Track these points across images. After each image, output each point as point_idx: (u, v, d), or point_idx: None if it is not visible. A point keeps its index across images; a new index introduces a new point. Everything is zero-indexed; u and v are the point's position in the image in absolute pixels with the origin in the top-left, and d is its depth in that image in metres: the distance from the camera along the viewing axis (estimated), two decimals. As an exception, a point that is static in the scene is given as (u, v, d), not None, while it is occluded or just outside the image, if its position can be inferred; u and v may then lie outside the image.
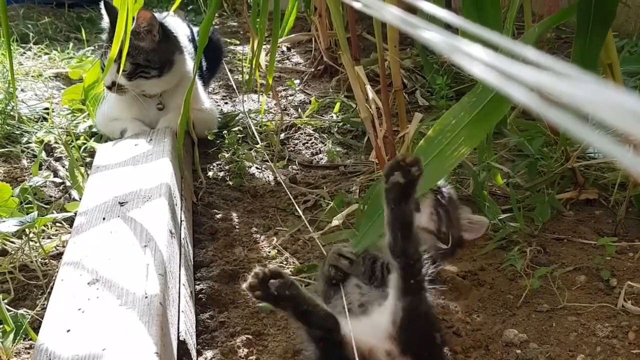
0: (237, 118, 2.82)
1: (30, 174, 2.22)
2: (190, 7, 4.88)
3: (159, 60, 2.33)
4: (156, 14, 2.44)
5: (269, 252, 1.86)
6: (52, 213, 1.92)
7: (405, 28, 0.44)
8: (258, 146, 2.50)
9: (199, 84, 2.54)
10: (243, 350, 1.46)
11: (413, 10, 0.75)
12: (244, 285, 1.19)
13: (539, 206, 1.93)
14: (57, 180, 2.22)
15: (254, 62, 2.53)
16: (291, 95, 3.16)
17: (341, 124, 2.74)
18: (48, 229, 1.91)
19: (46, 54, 3.60)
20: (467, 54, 0.35)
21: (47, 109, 2.76)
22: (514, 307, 1.59)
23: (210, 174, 2.31)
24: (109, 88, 2.32)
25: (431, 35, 0.39)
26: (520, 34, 2.73)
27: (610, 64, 1.73)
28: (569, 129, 0.31)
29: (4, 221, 1.76)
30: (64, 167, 2.29)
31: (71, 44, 3.78)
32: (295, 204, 2.02)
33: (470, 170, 2.00)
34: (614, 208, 1.98)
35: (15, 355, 1.42)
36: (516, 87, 0.31)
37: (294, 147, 2.59)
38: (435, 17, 0.55)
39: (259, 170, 2.39)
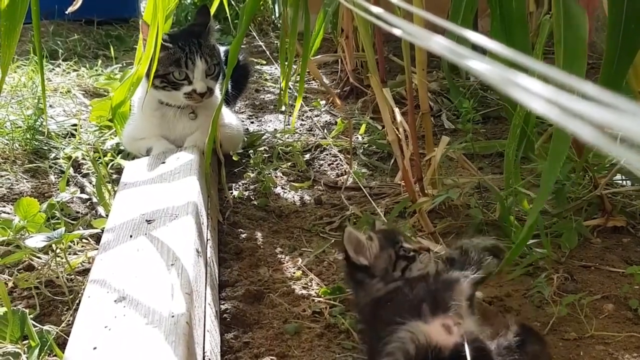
0: (263, 138, 2.83)
1: (58, 189, 2.24)
2: (218, 26, 4.93)
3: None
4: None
5: (294, 272, 1.85)
6: (79, 229, 1.93)
7: (453, 58, 0.43)
8: (283, 166, 2.50)
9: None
10: (267, 372, 1.45)
11: (440, 33, 0.75)
12: None
13: (566, 233, 1.91)
14: (84, 196, 2.23)
15: (285, 81, 2.55)
16: (317, 115, 3.17)
17: (367, 145, 2.74)
18: (74, 245, 1.92)
19: (75, 70, 3.64)
20: (523, 87, 0.34)
21: (75, 125, 2.79)
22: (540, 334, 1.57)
23: (235, 193, 2.32)
24: (202, 95, 2.33)
25: (482, 67, 0.39)
26: (547, 60, 2.72)
27: (641, 91, 1.71)
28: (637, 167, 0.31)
29: (31, 236, 1.77)
30: (90, 183, 2.31)
31: (99, 61, 3.83)
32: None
33: (497, 195, 1.99)
34: (642, 236, 1.95)
35: (40, 371, 1.43)
36: (578, 124, 0.31)
37: (319, 168, 2.59)
38: (463, 39, 0.54)
39: (285, 191, 2.39)
